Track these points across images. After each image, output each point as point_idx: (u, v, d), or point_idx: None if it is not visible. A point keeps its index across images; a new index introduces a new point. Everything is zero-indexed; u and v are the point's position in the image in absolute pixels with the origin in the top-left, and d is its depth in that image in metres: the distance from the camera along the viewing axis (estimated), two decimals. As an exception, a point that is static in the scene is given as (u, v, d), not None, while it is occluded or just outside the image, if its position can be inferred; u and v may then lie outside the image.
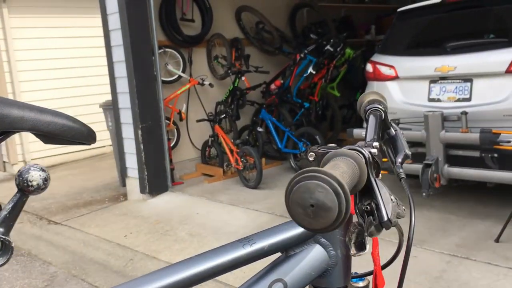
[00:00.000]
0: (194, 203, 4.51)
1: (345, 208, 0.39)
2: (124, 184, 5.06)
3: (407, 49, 4.09)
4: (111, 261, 3.56)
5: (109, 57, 4.71)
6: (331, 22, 5.93)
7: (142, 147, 4.60)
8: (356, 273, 0.69)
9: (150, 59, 4.56)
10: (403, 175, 0.70)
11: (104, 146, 7.23)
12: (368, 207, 0.50)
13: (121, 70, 4.61)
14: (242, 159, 4.73)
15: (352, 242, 0.46)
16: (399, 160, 0.72)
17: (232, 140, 5.02)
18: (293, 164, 5.05)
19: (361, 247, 0.45)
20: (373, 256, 0.66)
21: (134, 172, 4.77)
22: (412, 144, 3.66)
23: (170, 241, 3.75)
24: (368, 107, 0.76)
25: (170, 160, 4.91)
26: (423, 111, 3.58)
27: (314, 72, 5.28)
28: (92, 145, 7.67)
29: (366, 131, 0.70)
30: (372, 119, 0.73)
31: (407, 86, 3.93)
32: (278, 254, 0.62)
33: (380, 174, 0.67)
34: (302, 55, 5.19)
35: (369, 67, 4.24)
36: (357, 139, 4.05)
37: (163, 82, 4.83)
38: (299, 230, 0.60)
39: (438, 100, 3.70)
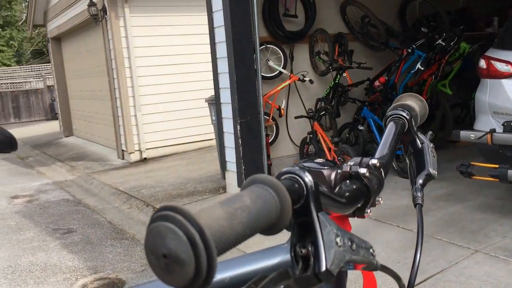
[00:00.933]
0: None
1: (206, 264, 0.29)
2: (224, 177, 5.21)
3: (528, 43, 3.65)
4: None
5: (213, 53, 4.87)
6: (444, 14, 5.50)
7: (240, 141, 4.69)
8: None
9: (251, 55, 4.61)
10: (419, 201, 0.57)
11: (212, 139, 7.53)
12: (303, 250, 0.39)
13: (223, 66, 4.73)
14: (339, 158, 4.60)
15: None
16: (420, 181, 0.59)
17: (330, 138, 4.91)
18: (395, 166, 4.79)
19: None
20: None
21: (233, 166, 4.88)
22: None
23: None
24: (389, 113, 0.64)
25: (268, 156, 4.94)
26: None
27: (422, 68, 4.94)
28: (201, 138, 8.02)
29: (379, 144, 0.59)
30: (390, 129, 0.61)
31: (525, 85, 3.51)
32: None
33: (380, 200, 0.54)
34: (409, 50, 4.88)
35: (482, 63, 3.85)
36: (465, 141, 3.71)
37: (264, 78, 4.87)
38: (270, 262, 0.50)
39: (561, 101, 3.25)
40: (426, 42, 5.01)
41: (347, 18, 5.52)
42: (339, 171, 0.51)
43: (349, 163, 0.53)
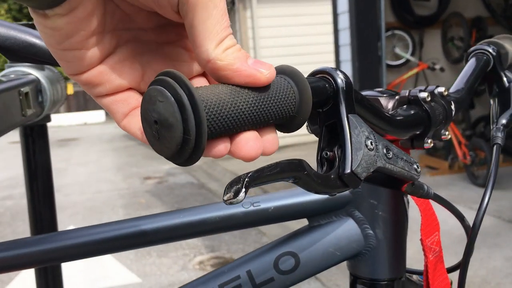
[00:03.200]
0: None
1: (194, 129, 0.27)
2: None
3: None
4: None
5: (336, 40, 4.76)
6: None
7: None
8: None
9: (376, 42, 4.42)
10: (498, 141, 0.50)
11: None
12: (328, 153, 0.35)
13: (346, 53, 4.60)
14: (471, 153, 4.20)
15: (233, 187, 0.30)
16: (503, 121, 0.51)
17: (461, 131, 4.51)
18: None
19: (237, 193, 0.30)
20: (423, 244, 0.47)
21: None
22: None
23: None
24: (472, 48, 0.56)
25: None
26: None
27: None
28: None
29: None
30: (470, 64, 0.53)
31: None
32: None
33: (447, 134, 0.48)
34: (562, 34, 4.27)
35: None
36: None
37: (388, 66, 4.63)
38: (326, 196, 0.46)
39: None
40: None
41: (487, 0, 5.01)
42: (397, 97, 0.46)
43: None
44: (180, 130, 0.27)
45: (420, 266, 0.51)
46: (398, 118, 0.42)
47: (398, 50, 4.87)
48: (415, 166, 0.40)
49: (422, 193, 0.46)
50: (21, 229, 4.39)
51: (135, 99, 0.32)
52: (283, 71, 0.33)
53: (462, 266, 0.46)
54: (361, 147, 0.35)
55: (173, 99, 0.27)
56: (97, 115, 16.38)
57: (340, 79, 0.35)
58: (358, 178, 0.34)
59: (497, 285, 2.62)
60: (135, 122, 0.31)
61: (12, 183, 6.48)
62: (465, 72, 0.53)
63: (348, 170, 0.34)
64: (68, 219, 4.62)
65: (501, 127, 0.51)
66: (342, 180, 0.34)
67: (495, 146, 0.50)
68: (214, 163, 7.06)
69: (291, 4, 7.16)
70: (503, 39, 0.58)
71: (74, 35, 0.28)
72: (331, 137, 0.36)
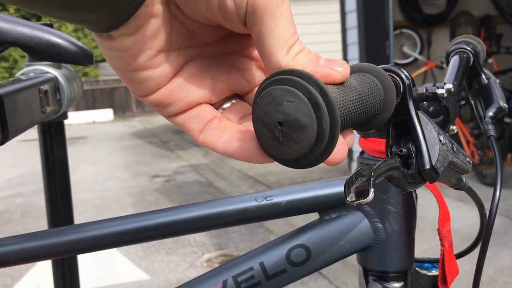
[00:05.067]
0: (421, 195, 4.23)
1: (328, 128, 0.25)
2: (350, 168, 5.09)
3: None
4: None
5: (343, 39, 4.76)
6: None
7: (368, 130, 4.53)
8: (427, 257, 0.52)
9: (384, 41, 4.41)
10: (492, 133, 0.52)
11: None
12: (404, 150, 0.35)
13: (353, 52, 4.60)
14: (479, 152, 4.19)
15: (353, 187, 0.31)
16: (490, 113, 0.54)
17: (469, 130, 4.49)
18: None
19: (363, 193, 0.30)
20: (440, 234, 0.48)
21: (359, 156, 4.74)
22: None
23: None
24: (451, 48, 0.59)
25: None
26: None
27: None
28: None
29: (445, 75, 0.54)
30: (454, 62, 0.56)
31: None
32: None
33: (454, 128, 0.50)
34: None
35: None
36: None
37: (396, 64, 4.62)
38: (336, 189, 0.47)
39: None
40: None
41: (496, -1, 5.00)
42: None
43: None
44: (314, 130, 0.26)
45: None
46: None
47: (406, 49, 4.86)
48: (468, 159, 0.41)
49: (461, 185, 0.47)
50: (31, 226, 4.44)
51: (208, 112, 0.32)
52: (365, 69, 0.33)
53: (481, 251, 0.47)
54: (436, 143, 0.35)
55: (306, 98, 0.26)
56: (106, 114, 16.47)
57: (405, 77, 0.35)
58: (437, 173, 0.35)
59: (505, 283, 2.61)
60: (213, 136, 0.31)
61: (22, 181, 6.54)
62: (452, 70, 0.55)
63: (428, 166, 0.34)
64: (77, 216, 4.63)
65: (490, 120, 0.53)
66: (421, 176, 0.35)
67: (490, 139, 0.52)
68: (221, 161, 7.08)
69: (299, 3, 7.16)
70: (466, 37, 0.61)
71: (142, 54, 0.28)
72: (398, 134, 0.36)
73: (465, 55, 0.57)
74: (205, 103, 0.32)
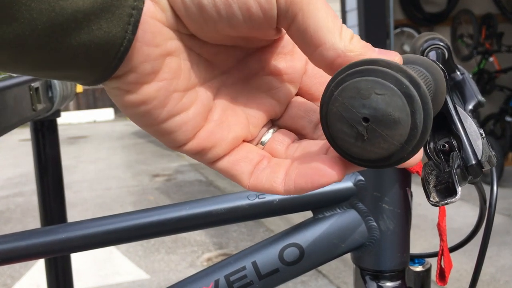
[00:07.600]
0: (420, 193, 4.22)
1: (422, 123, 0.23)
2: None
3: None
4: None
5: (344, 38, 4.75)
6: None
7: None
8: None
9: (384, 39, 4.40)
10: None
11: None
12: (446, 145, 0.33)
13: (354, 51, 4.60)
14: (480, 151, 4.18)
15: (431, 186, 0.29)
16: (470, 107, 0.53)
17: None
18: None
19: (447, 191, 0.28)
20: (439, 228, 0.48)
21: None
22: None
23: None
24: (426, 44, 0.57)
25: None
26: None
27: None
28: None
29: None
30: (432, 57, 0.54)
31: None
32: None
33: None
34: None
35: None
36: None
37: (397, 63, 4.62)
38: (330, 188, 0.46)
39: None
40: None
41: (498, -4, 4.98)
42: None
43: None
44: (408, 126, 0.23)
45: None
46: None
47: (407, 47, 4.84)
48: (494, 152, 0.40)
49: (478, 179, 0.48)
50: (32, 225, 4.44)
51: (256, 153, 0.29)
52: (413, 61, 0.31)
53: (482, 246, 0.46)
54: (478, 137, 0.34)
55: (398, 90, 0.23)
56: (107, 113, 16.47)
57: (443, 72, 0.33)
58: (482, 168, 0.33)
59: (506, 283, 2.61)
60: (266, 176, 0.28)
61: (23, 180, 6.54)
62: None
63: (474, 161, 0.33)
64: (78, 215, 4.66)
65: (471, 114, 0.52)
66: (467, 172, 0.33)
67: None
68: (222, 160, 7.07)
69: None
70: (434, 34, 0.60)
71: (170, 99, 0.26)
72: (436, 128, 0.35)
73: (440, 51, 0.57)
74: (247, 140, 0.30)
